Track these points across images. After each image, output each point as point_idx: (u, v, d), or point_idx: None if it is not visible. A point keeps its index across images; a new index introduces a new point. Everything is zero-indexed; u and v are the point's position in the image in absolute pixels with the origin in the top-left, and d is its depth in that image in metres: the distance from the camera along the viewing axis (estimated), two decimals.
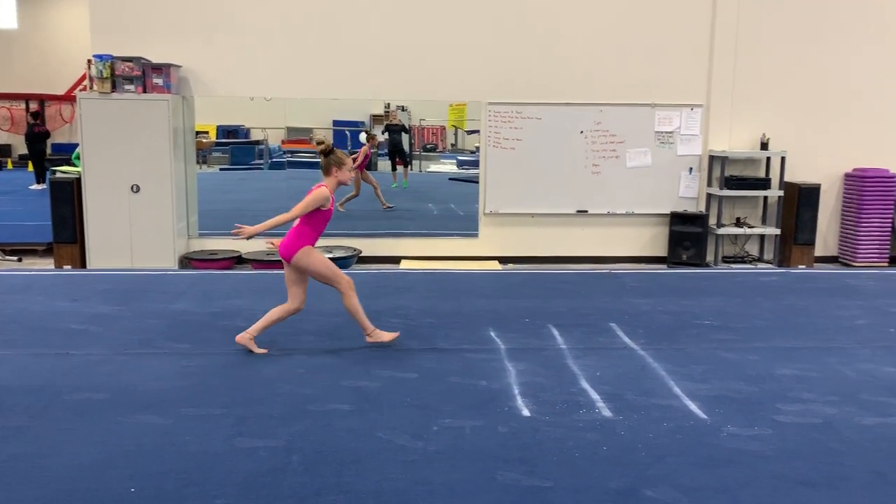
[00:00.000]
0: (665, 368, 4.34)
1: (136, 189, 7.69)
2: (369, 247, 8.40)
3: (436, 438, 3.34)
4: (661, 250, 8.66)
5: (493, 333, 5.01)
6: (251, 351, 4.53)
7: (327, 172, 4.54)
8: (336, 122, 16.45)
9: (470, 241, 8.60)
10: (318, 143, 4.55)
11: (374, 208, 11.25)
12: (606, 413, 3.65)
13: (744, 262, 8.50)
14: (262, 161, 16.88)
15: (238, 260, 7.98)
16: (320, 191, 4.44)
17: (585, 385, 4.04)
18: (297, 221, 4.48)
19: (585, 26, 8.30)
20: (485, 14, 8.21)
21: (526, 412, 3.66)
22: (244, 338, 4.53)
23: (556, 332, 5.05)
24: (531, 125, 8.39)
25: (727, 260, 8.58)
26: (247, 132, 17.61)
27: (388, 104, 15.34)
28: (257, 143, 17.34)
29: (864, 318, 5.54)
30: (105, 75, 7.48)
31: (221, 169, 16.67)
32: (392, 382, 4.04)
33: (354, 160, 9.23)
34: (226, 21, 8.11)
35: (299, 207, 4.39)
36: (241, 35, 8.10)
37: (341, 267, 7.82)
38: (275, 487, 2.90)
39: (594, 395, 3.89)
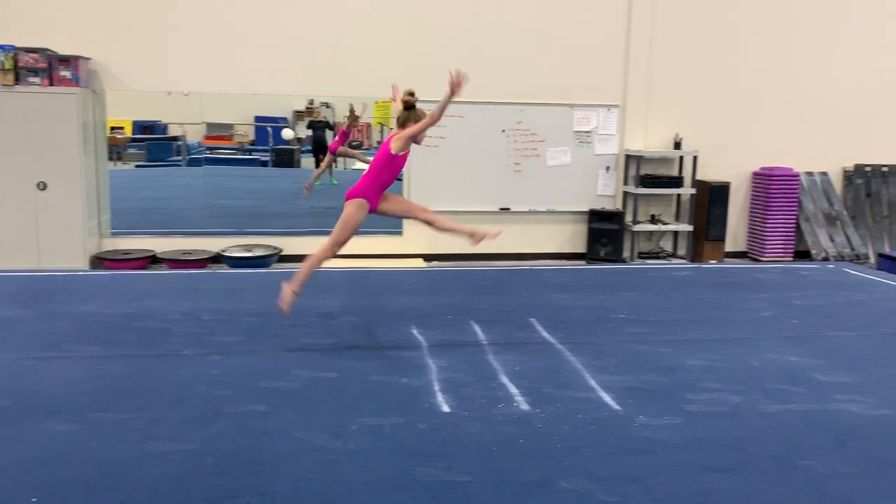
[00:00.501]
0: (581, 362, 4.44)
1: (42, 186, 7.37)
2: (291, 245, 8.29)
3: (354, 437, 3.32)
4: (580, 247, 8.87)
5: (415, 331, 5.01)
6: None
7: (403, 126, 4.44)
8: (258, 118, 16.13)
9: (395, 239, 8.60)
10: (410, 95, 4.47)
11: (296, 206, 11.09)
12: (524, 407, 3.71)
13: (659, 258, 8.80)
14: (180, 157, 16.41)
15: (153, 259, 7.75)
16: (398, 135, 4.36)
17: (505, 380, 4.09)
18: (366, 171, 4.46)
19: (507, 26, 8.42)
20: (408, 11, 8.22)
21: (446, 408, 3.68)
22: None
23: (477, 329, 5.10)
24: (454, 123, 8.45)
25: (643, 256, 8.86)
26: (165, 128, 17.07)
27: (312, 100, 15.15)
28: (175, 139, 16.85)
29: (770, 310, 5.80)
30: (7, 66, 7.13)
31: (137, 166, 16.09)
32: (311, 382, 3.99)
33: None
34: (139, 13, 7.86)
35: (420, 125, 4.30)
36: (155, 28, 7.86)
37: (258, 266, 7.73)
38: (187, 492, 2.83)
39: (513, 390, 3.94)
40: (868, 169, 9.15)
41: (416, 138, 4.42)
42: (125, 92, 8.16)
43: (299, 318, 5.22)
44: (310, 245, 8.46)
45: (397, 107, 4.63)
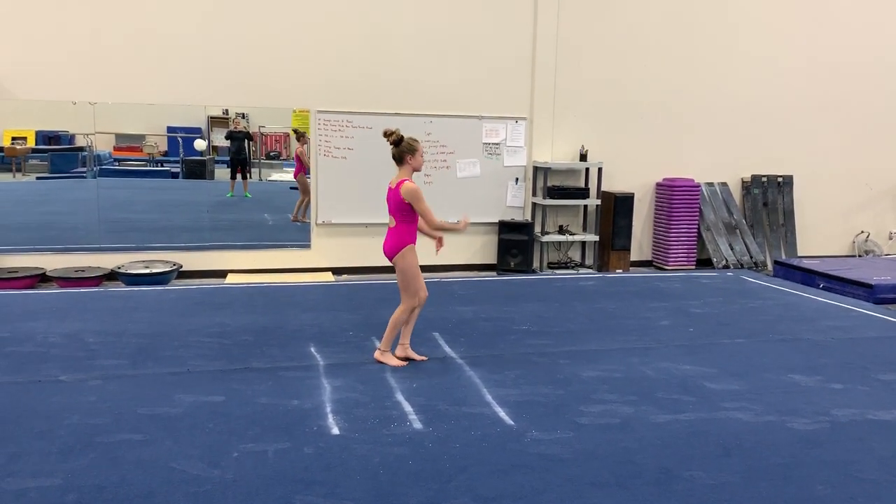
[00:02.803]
0: (480, 376, 4.39)
1: None
2: (192, 260, 8.00)
3: (234, 465, 3.16)
4: (491, 258, 8.88)
5: (313, 349, 4.87)
6: (411, 359, 4.62)
7: (401, 162, 4.52)
8: (170, 129, 15.57)
9: (302, 253, 8.41)
10: (388, 135, 4.51)
11: (199, 219, 10.72)
12: (417, 426, 3.63)
13: (567, 268, 8.90)
14: (86, 169, 15.68)
15: (42, 278, 7.32)
16: (407, 185, 4.41)
17: (400, 398, 4.00)
18: (394, 222, 4.53)
19: (415, 39, 8.38)
20: (319, 22, 8.08)
21: (335, 430, 3.56)
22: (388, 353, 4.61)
23: (378, 345, 4.99)
24: (362, 134, 8.34)
25: (552, 266, 8.94)
26: (71, 138, 16.28)
27: (226, 110, 14.73)
28: (81, 149, 16.11)
29: (668, 318, 5.92)
30: None
31: (39, 177, 15.29)
32: (195, 407, 3.80)
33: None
34: (39, 21, 7.44)
35: (422, 209, 4.43)
36: (60, 36, 7.48)
37: (156, 283, 7.41)
38: None
39: (407, 408, 3.85)
40: (764, 179, 9.52)
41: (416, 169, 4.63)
42: (29, 102, 7.73)
43: (191, 339, 5.01)
44: (212, 260, 8.23)
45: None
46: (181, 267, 7.79)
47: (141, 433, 3.47)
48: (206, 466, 3.14)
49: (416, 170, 4.60)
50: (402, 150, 4.53)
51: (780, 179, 9.62)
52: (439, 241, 4.68)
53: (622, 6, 8.93)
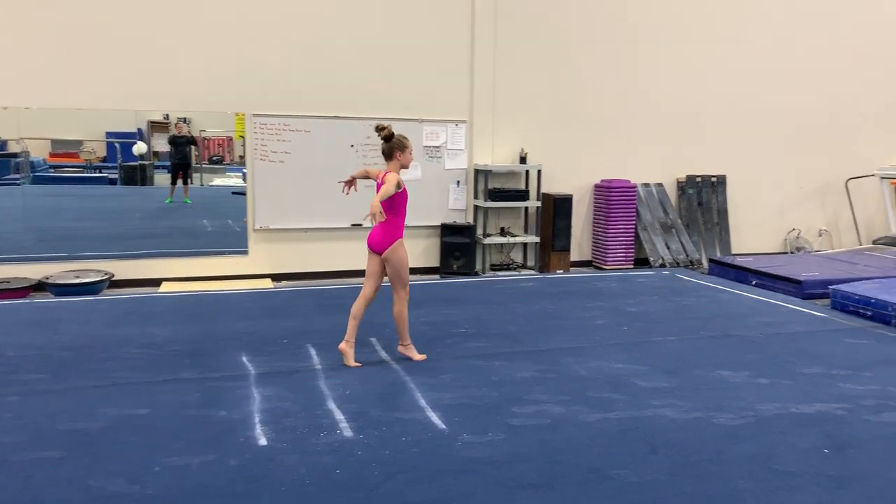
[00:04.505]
0: (415, 380, 4.37)
1: None
2: (125, 269, 7.79)
3: (155, 480, 3.07)
4: (433, 261, 8.87)
5: (245, 358, 4.78)
6: (411, 358, 4.74)
7: (390, 157, 4.58)
8: (109, 134, 15.15)
9: (239, 259, 8.27)
10: (380, 129, 4.57)
11: (133, 227, 10.44)
12: (347, 433, 3.58)
13: (509, 269, 8.94)
14: (19, 176, 15.15)
15: None
16: (391, 175, 4.46)
17: (332, 406, 3.95)
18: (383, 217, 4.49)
19: (353, 43, 8.32)
20: (251, 25, 7.95)
21: (263, 441, 3.49)
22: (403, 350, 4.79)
23: (313, 352, 4.93)
24: (300, 138, 8.25)
25: (494, 268, 8.98)
26: (4, 144, 15.73)
27: (167, 115, 14.40)
28: (14, 155, 15.58)
29: (604, 318, 6.00)
30: None
31: None
32: (118, 421, 3.68)
33: None
34: None
35: (379, 195, 4.33)
36: None
37: (87, 294, 7.19)
38: None
39: (339, 416, 3.81)
40: (699, 180, 9.74)
41: (404, 165, 4.63)
42: None
43: (118, 350, 4.87)
44: (145, 268, 8.02)
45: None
46: (113, 276, 7.57)
47: (58, 450, 3.34)
48: (126, 482, 3.05)
49: (404, 166, 4.65)
50: (393, 145, 4.58)
51: (713, 179, 9.85)
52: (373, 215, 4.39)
53: (558, 11, 9.03)
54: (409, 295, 4.79)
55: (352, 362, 4.63)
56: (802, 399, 4.13)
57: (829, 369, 4.67)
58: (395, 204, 4.54)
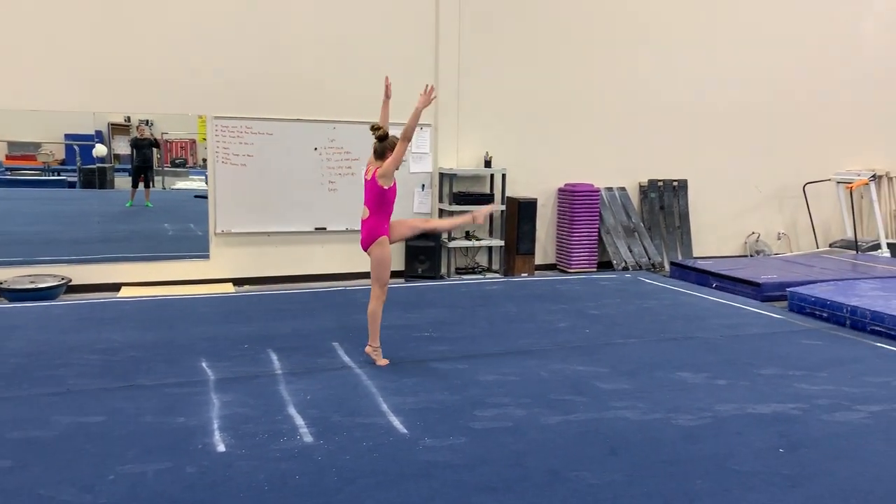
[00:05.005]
0: (377, 385, 4.35)
1: None
2: (82, 274, 7.64)
3: (109, 489, 3.01)
4: (398, 264, 8.84)
5: (204, 364, 4.71)
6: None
7: (382, 157, 4.60)
8: (68, 136, 14.86)
9: (201, 264, 8.16)
10: (376, 129, 4.64)
11: (91, 231, 10.23)
12: (308, 439, 3.55)
13: (474, 273, 8.96)
14: None
15: None
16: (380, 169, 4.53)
17: (292, 411, 3.91)
18: (367, 213, 4.63)
19: (315, 43, 8.28)
20: (212, 27, 7.87)
21: (221, 447, 3.44)
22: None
23: (274, 357, 4.88)
24: (262, 141, 8.18)
25: (460, 271, 9.00)
26: None
27: (128, 117, 14.16)
28: None
29: (566, 320, 6.04)
30: None
31: None
32: (72, 429, 3.60)
33: None
34: None
35: (398, 153, 4.47)
36: None
37: (43, 299, 7.04)
38: None
39: (299, 421, 3.77)
40: (661, 184, 9.87)
41: (396, 166, 4.59)
42: None
43: (73, 356, 4.77)
44: (104, 273, 7.87)
45: (386, 100, 4.95)
46: (70, 281, 7.42)
47: (8, 459, 3.26)
48: (78, 492, 2.98)
49: (389, 169, 4.61)
50: (386, 146, 4.61)
51: (675, 184, 9.99)
52: (424, 101, 4.59)
53: (523, 14, 9.09)
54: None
55: (381, 360, 4.76)
56: (759, 400, 4.20)
57: (786, 370, 4.76)
58: (384, 200, 4.60)
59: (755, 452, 3.49)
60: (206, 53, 7.85)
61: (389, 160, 4.52)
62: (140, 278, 7.86)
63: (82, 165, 11.22)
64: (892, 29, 10.96)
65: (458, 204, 8.75)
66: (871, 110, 10.93)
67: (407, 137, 4.49)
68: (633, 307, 6.60)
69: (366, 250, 4.72)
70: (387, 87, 4.94)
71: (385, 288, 4.76)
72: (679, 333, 5.67)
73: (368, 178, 4.65)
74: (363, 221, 4.69)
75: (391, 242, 4.76)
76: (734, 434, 3.70)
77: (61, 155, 11.24)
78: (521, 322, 5.99)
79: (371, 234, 4.65)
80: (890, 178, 11.05)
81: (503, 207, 9.02)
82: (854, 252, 9.73)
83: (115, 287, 7.63)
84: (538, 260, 9.31)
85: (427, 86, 4.64)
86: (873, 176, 10.23)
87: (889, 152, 11.09)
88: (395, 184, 4.64)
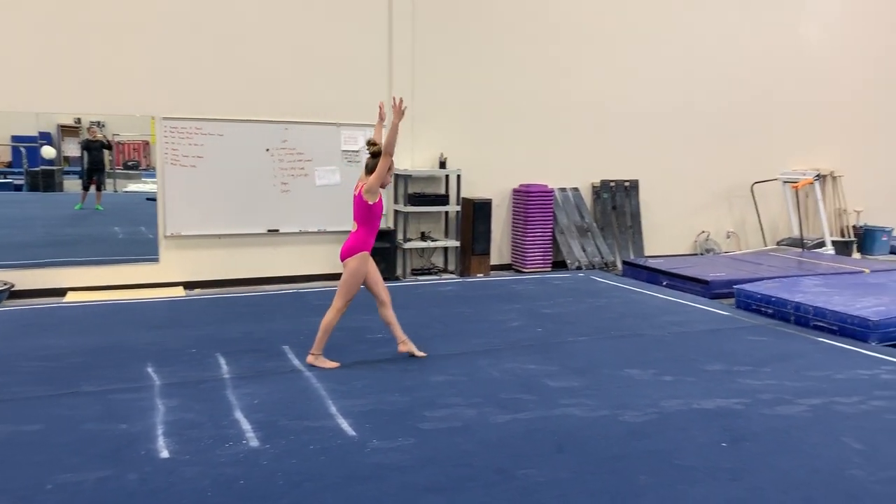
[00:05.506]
0: (327, 388, 4.32)
1: None
2: (26, 279, 7.43)
3: (46, 499, 2.93)
4: None
5: (150, 369, 4.62)
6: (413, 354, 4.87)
7: (370, 173, 4.64)
8: (15, 138, 14.43)
9: (150, 267, 8.01)
10: (371, 144, 4.69)
11: (37, 233, 9.97)
12: (254, 443, 3.51)
13: (430, 274, 8.96)
14: None
15: None
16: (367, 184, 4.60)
17: (239, 415, 3.86)
18: (355, 227, 4.72)
19: (268, 45, 8.18)
20: (161, 26, 7.71)
21: (165, 454, 3.38)
22: (404, 347, 4.91)
23: (222, 361, 4.82)
24: (213, 142, 8.05)
25: (416, 272, 8.98)
26: None
27: (79, 118, 13.82)
28: None
29: (519, 320, 6.08)
30: None
31: None
32: (8, 438, 3.50)
33: None
34: None
35: (383, 164, 4.53)
36: None
37: None
38: None
39: (245, 426, 3.72)
40: (613, 184, 9.99)
41: (383, 183, 4.63)
42: None
43: (13, 364, 4.64)
44: (49, 278, 7.67)
45: (380, 123, 4.99)
46: (13, 286, 7.21)
47: None
48: (14, 502, 2.90)
49: (383, 185, 4.68)
50: (376, 164, 4.62)
51: (626, 184, 10.12)
52: (397, 115, 4.56)
53: (478, 17, 9.12)
54: (331, 301, 4.81)
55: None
56: (704, 395, 4.27)
57: (731, 366, 4.86)
58: (371, 215, 4.69)
59: (699, 447, 3.56)
60: (155, 53, 7.70)
61: (374, 175, 4.57)
62: (87, 283, 7.67)
63: (30, 168, 10.92)
64: (834, 32, 11.28)
65: (413, 205, 8.75)
66: (815, 112, 11.23)
67: (388, 153, 4.55)
68: (585, 306, 6.67)
69: (343, 260, 4.74)
70: (380, 111, 5.00)
71: (348, 303, 4.77)
72: (628, 331, 5.75)
73: (356, 193, 4.72)
74: (350, 234, 4.77)
75: (363, 273, 4.74)
76: (679, 429, 3.77)
77: (7, 157, 10.93)
78: (474, 322, 6.01)
79: (353, 246, 4.70)
80: (834, 178, 11.37)
81: (458, 208, 9.03)
82: (800, 250, 9.98)
83: (61, 292, 7.45)
84: (494, 260, 9.34)
85: (395, 98, 4.65)
86: (818, 175, 10.51)
87: (833, 152, 11.42)
88: (381, 199, 4.72)
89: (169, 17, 7.75)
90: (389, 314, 4.89)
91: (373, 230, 4.75)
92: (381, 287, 4.87)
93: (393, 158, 4.67)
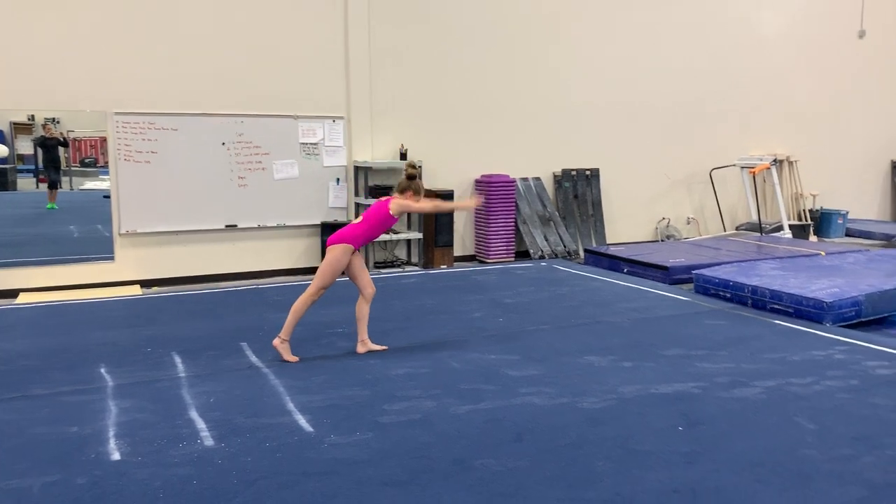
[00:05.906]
0: (285, 384, 4.26)
1: None
2: None
3: None
4: (315, 261, 8.70)
5: (103, 370, 4.52)
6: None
7: (401, 192, 4.83)
8: None
9: (105, 266, 7.85)
10: (412, 167, 4.95)
11: None
12: (208, 443, 3.44)
13: (393, 267, 8.92)
14: None
15: None
16: (397, 201, 4.77)
17: (194, 415, 3.79)
18: (359, 220, 4.81)
19: (221, 37, 8.05)
20: (112, 20, 7.54)
21: (116, 456, 3.30)
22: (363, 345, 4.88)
23: (178, 360, 4.73)
24: (167, 136, 7.90)
25: (378, 265, 8.93)
26: None
27: (32, 115, 13.48)
28: None
29: (481, 310, 6.07)
30: None
31: None
32: None
33: None
34: None
35: (420, 207, 4.91)
36: None
37: None
38: None
39: (200, 425, 3.66)
40: (574, 173, 10.04)
41: (407, 212, 5.06)
42: None
43: None
44: (1, 279, 7.46)
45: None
46: None
47: None
48: None
49: (405, 208, 4.85)
50: (409, 186, 4.83)
51: (587, 173, 10.17)
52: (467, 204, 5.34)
53: (435, 7, 9.07)
54: (291, 297, 4.81)
55: (290, 357, 4.73)
56: (661, 380, 4.31)
57: (689, 350, 4.91)
58: (381, 222, 4.77)
59: (656, 432, 3.58)
60: (104, 47, 7.53)
61: (409, 203, 4.79)
62: (40, 284, 7.49)
63: None
64: (788, 20, 11.45)
65: (374, 197, 8.67)
66: (771, 98, 11.41)
67: (430, 208, 5.09)
68: (547, 294, 6.69)
69: (328, 245, 4.77)
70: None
71: (321, 290, 4.76)
72: (589, 318, 5.78)
73: (384, 199, 4.86)
74: (351, 224, 4.89)
75: (343, 265, 4.75)
76: (636, 415, 3.79)
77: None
78: (436, 314, 5.99)
79: (345, 236, 4.73)
80: (790, 163, 11.57)
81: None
82: (759, 234, 10.14)
83: (13, 294, 7.26)
84: (457, 251, 9.33)
85: (478, 197, 5.51)
86: (774, 160, 10.67)
87: (789, 137, 11.61)
88: (397, 219, 4.87)
89: (120, 10, 7.57)
90: (365, 311, 4.89)
91: (373, 232, 4.82)
92: (367, 281, 4.89)
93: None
